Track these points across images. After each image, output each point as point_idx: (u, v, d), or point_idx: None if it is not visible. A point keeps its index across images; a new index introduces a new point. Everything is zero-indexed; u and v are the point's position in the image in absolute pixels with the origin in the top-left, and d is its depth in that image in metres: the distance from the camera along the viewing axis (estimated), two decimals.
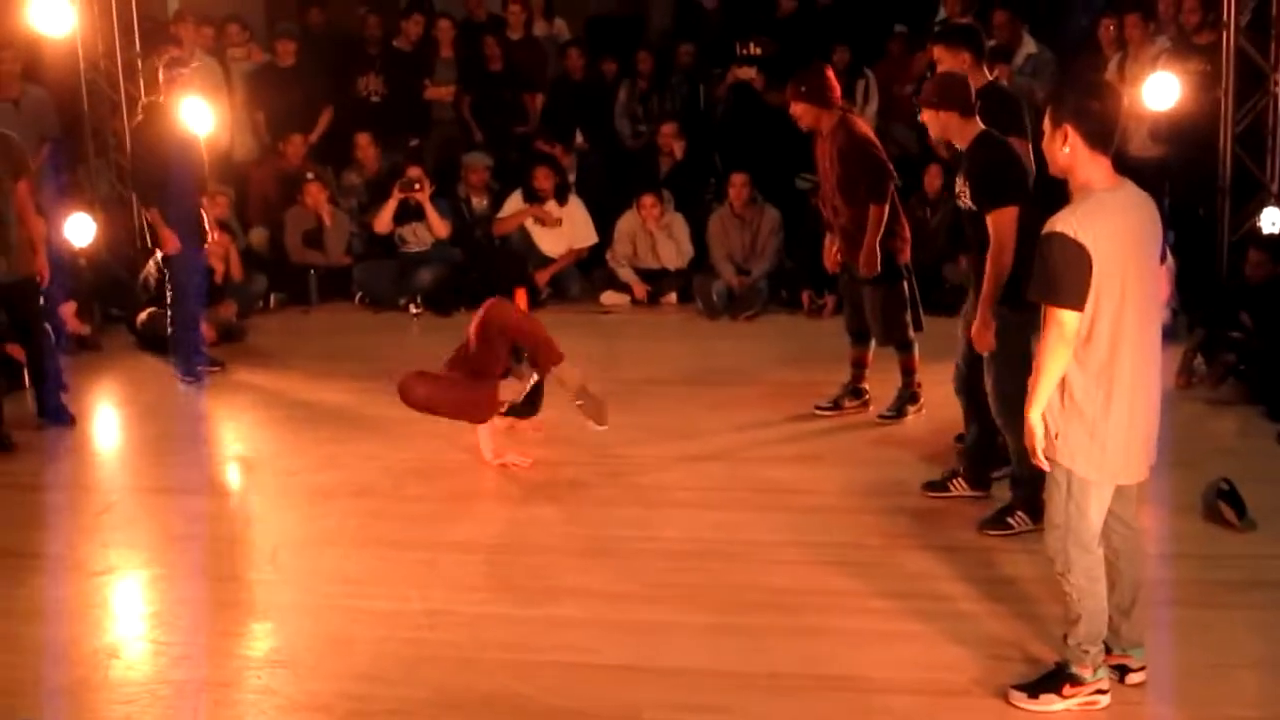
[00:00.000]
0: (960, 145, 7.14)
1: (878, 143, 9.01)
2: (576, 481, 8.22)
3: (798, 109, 8.91)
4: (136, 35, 13.20)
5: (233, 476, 8.95)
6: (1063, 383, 5.20)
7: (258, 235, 13.61)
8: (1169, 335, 10.29)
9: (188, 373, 10.57)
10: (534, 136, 14.13)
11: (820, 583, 6.66)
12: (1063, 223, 5.06)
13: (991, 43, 12.63)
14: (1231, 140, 11.47)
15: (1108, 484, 5.34)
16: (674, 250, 12.99)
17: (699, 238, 12.98)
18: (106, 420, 9.96)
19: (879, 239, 8.70)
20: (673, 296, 12.95)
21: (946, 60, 7.93)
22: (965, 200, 7.02)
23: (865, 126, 9.07)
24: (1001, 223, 6.77)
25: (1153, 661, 5.63)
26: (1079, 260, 5.01)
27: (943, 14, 13.81)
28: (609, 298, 13.06)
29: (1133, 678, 5.63)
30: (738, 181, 12.63)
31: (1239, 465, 7.74)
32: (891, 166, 8.89)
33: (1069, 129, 5.18)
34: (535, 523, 7.68)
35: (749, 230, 12.68)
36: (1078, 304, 5.06)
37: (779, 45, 13.87)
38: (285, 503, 8.21)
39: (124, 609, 6.86)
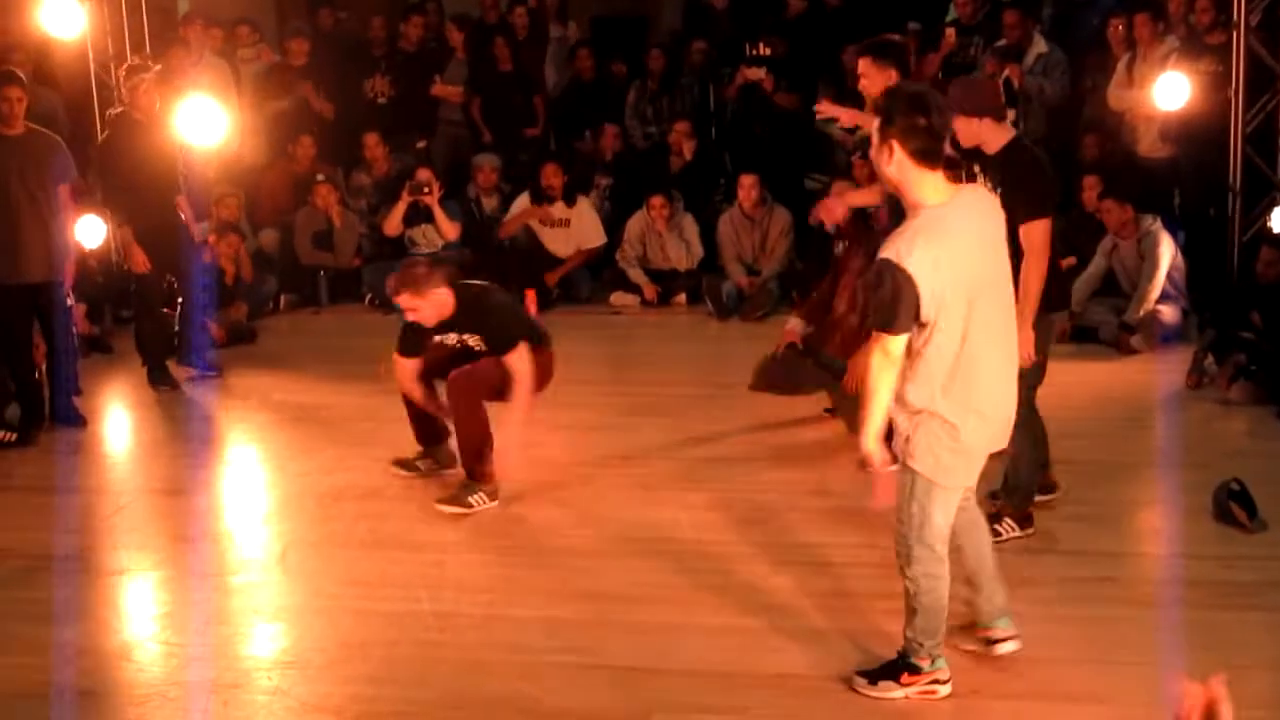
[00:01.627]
0: (990, 152, 6.90)
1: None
2: (585, 482, 8.22)
3: (866, 70, 8.41)
4: (147, 38, 13.21)
5: (243, 478, 8.96)
6: (909, 390, 5.25)
7: (268, 236, 13.63)
8: (1179, 335, 10.40)
9: (155, 380, 10.61)
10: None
11: (830, 584, 6.66)
12: (892, 249, 5.04)
13: (1002, 42, 12.66)
14: (1242, 140, 11.44)
15: (956, 490, 5.41)
16: (684, 251, 12.99)
17: (709, 238, 12.98)
18: (117, 422, 9.98)
19: None
20: (682, 297, 12.95)
21: (873, 74, 7.91)
22: None
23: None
24: (1034, 234, 6.61)
25: (1164, 662, 5.62)
26: (907, 288, 5.00)
27: (953, 14, 13.81)
28: (619, 298, 13.06)
29: (1001, 647, 5.79)
30: (747, 182, 12.63)
31: (1250, 466, 7.73)
32: None
33: (894, 144, 5.10)
34: (544, 524, 7.68)
35: (759, 231, 12.68)
36: (904, 329, 5.11)
37: (789, 45, 13.86)
38: (295, 504, 8.22)
39: (135, 610, 6.87)
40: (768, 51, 13.79)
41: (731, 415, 9.41)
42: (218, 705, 5.77)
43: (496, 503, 7.82)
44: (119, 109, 10.54)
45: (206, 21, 14.04)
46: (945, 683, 5.57)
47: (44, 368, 9.69)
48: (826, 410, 9.22)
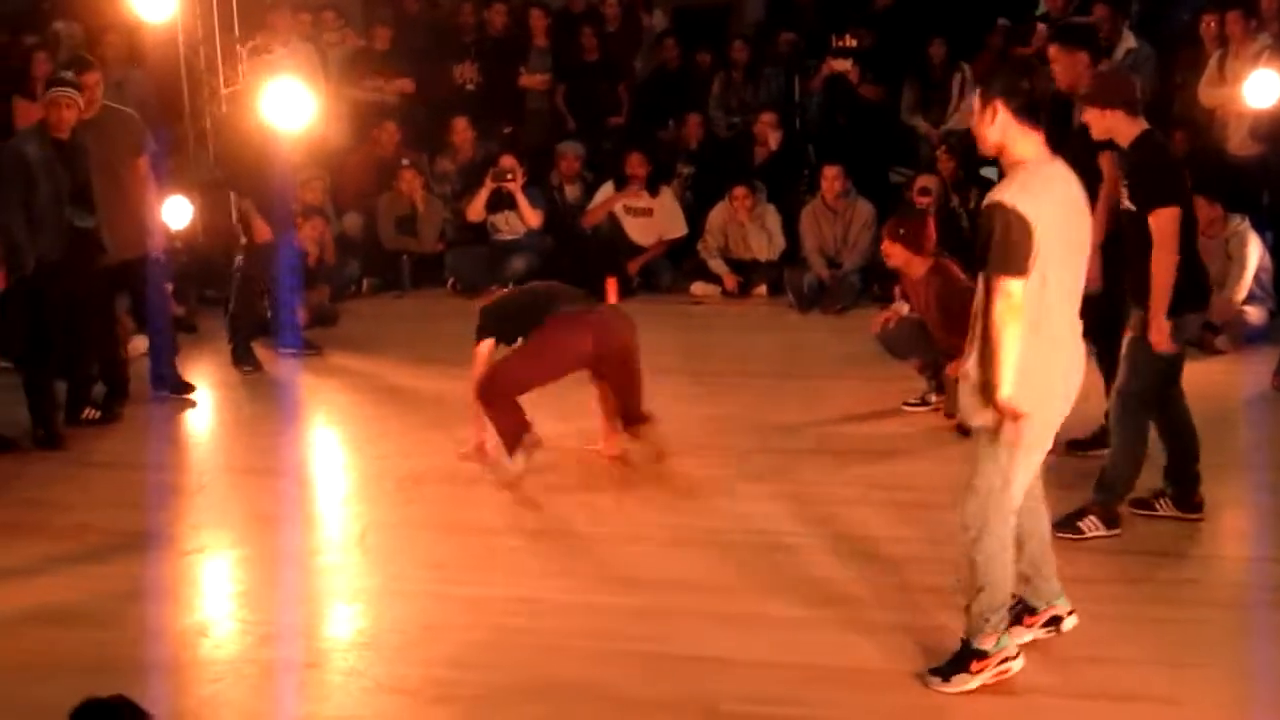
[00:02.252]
0: (1123, 144, 6.90)
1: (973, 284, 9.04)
2: (664, 472, 8.21)
3: (891, 249, 9.18)
4: (236, 22, 13.33)
5: (323, 459, 9.04)
6: (992, 350, 5.25)
7: (351, 221, 13.70)
8: (1265, 336, 10.27)
9: (239, 359, 10.74)
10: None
11: (905, 579, 6.63)
12: (1003, 193, 5.21)
13: None
14: None
15: (1036, 451, 5.46)
16: (765, 242, 12.94)
17: (791, 229, 12.94)
18: (200, 401, 10.06)
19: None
20: (763, 288, 12.90)
21: (1062, 60, 7.82)
22: (1125, 201, 6.86)
23: (958, 270, 9.04)
24: (1162, 223, 6.59)
25: (1238, 667, 5.56)
26: (1021, 230, 5.12)
27: (1043, 8, 13.69)
28: (699, 288, 13.04)
29: (1066, 624, 5.85)
30: (830, 174, 12.57)
31: None
32: None
33: (998, 104, 5.31)
34: (622, 512, 7.68)
35: (841, 223, 12.62)
36: (1022, 272, 5.17)
37: (875, 37, 13.79)
38: (375, 486, 8.28)
39: (213, 588, 6.95)
40: (854, 43, 13.74)
41: (809, 408, 9.39)
42: (294, 684, 5.83)
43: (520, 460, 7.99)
44: (239, 87, 10.70)
45: (294, 6, 14.13)
46: (1016, 658, 5.57)
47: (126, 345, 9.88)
48: (906, 404, 9.19)
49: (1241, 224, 10.53)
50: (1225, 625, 6.11)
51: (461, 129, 13.94)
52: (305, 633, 6.30)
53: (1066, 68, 7.81)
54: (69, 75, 9.06)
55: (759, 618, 6.29)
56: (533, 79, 14.35)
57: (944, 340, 8.90)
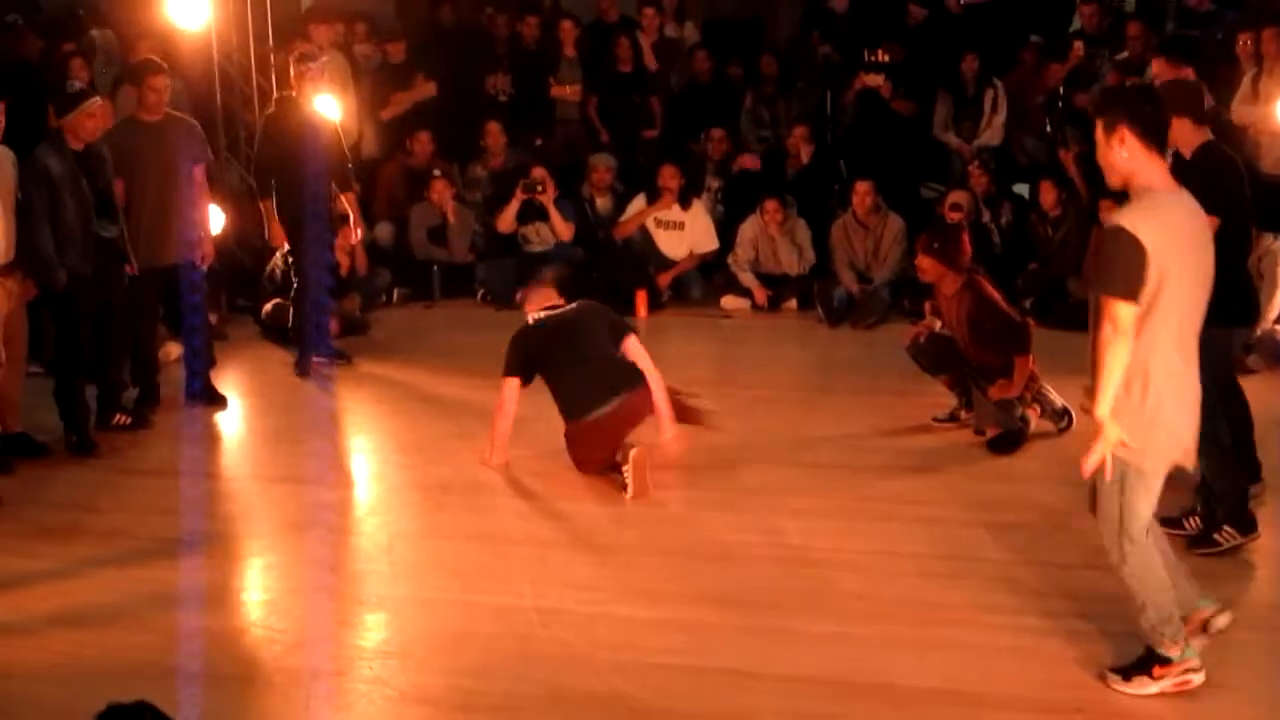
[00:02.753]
0: (1186, 154, 6.87)
1: (1005, 301, 9.13)
2: (693, 485, 8.21)
3: (924, 263, 9.13)
4: (270, 30, 13.38)
5: (351, 468, 9.05)
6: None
7: (382, 230, 13.73)
8: None
9: (301, 367, 10.76)
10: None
11: (935, 595, 6.61)
12: (1124, 218, 5.18)
13: (1124, 55, 12.51)
14: None
15: (1158, 473, 5.42)
16: (796, 256, 12.94)
17: (821, 244, 12.93)
18: (230, 409, 10.08)
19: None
20: (793, 302, 12.90)
21: (1168, 74, 7.77)
22: None
23: (991, 288, 9.03)
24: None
25: (1269, 689, 5.53)
26: (1136, 255, 5.10)
27: (1078, 24, 13.68)
28: (729, 302, 13.03)
29: (1218, 621, 5.78)
30: (861, 189, 12.56)
31: None
32: (1024, 318, 9.11)
33: (1124, 131, 5.26)
34: (649, 524, 7.67)
35: (872, 238, 12.60)
36: (1133, 296, 5.15)
37: (907, 52, 13.79)
38: (403, 495, 8.29)
39: (242, 595, 6.95)
40: (886, 58, 13.74)
41: (839, 422, 9.37)
42: (319, 692, 5.83)
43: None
44: (286, 92, 10.76)
45: (328, 16, 14.17)
46: (1198, 670, 5.55)
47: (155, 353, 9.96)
48: (935, 419, 9.17)
49: (1275, 243, 10.47)
50: (1260, 648, 6.08)
51: (495, 133, 13.96)
52: (330, 641, 6.30)
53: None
54: (85, 87, 9.13)
55: (786, 631, 6.27)
56: (562, 90, 14.37)
57: (976, 357, 8.89)
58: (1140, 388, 5.26)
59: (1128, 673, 5.60)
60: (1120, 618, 5.92)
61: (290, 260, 10.82)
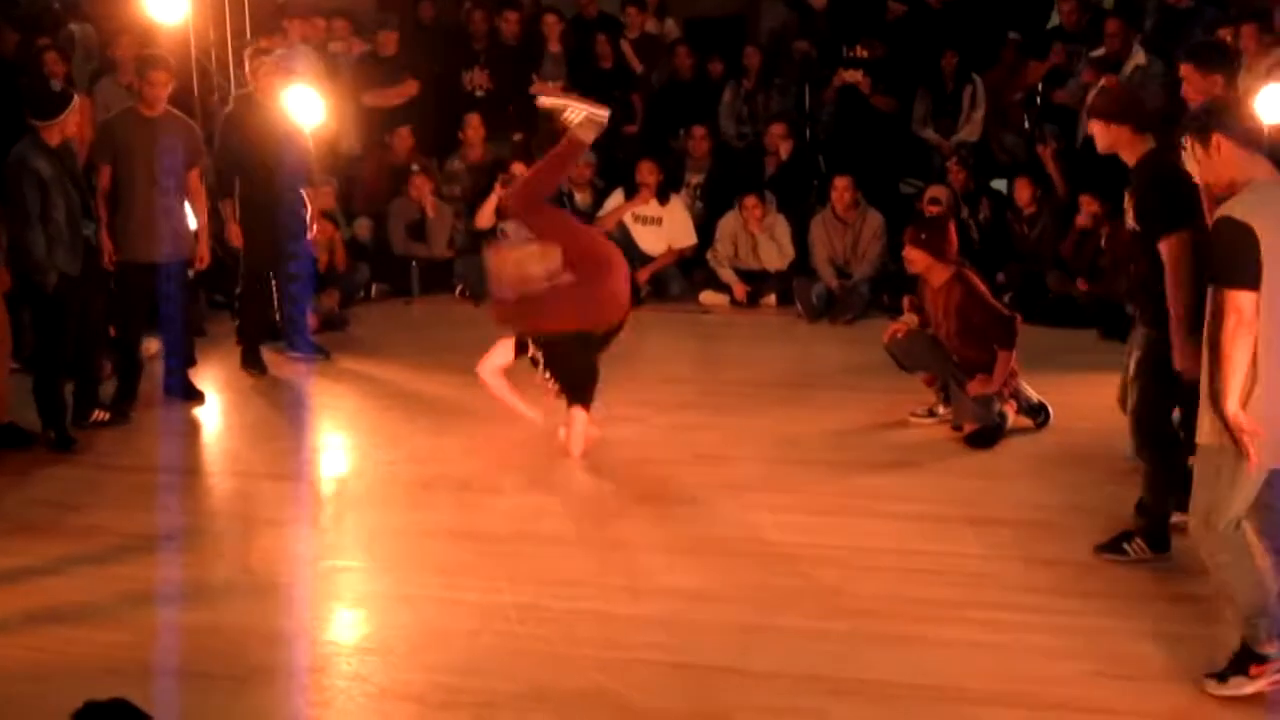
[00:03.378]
0: (1129, 162, 6.77)
1: (991, 295, 9.15)
2: (672, 481, 8.21)
3: (913, 254, 9.10)
4: (248, 25, 13.33)
5: (331, 464, 9.02)
6: (1222, 365, 5.19)
7: (362, 225, 13.71)
8: None
9: (247, 364, 10.77)
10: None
11: (916, 591, 6.61)
12: (1234, 208, 5.17)
13: (1100, 52, 12.53)
14: None
15: (1263, 469, 5.33)
16: (775, 251, 12.94)
17: (801, 240, 12.93)
18: (208, 404, 10.05)
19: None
20: (772, 298, 12.90)
21: (1195, 80, 7.72)
22: (1130, 220, 6.78)
23: (979, 281, 9.06)
24: (1172, 249, 6.38)
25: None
26: (1248, 242, 5.09)
27: (1056, 21, 13.70)
28: (709, 298, 13.04)
29: None
30: (841, 185, 12.57)
31: None
32: (1012, 312, 9.07)
33: (1219, 138, 5.32)
34: (630, 521, 7.67)
35: (851, 234, 12.62)
36: (1252, 283, 5.12)
37: (887, 48, 13.80)
38: (382, 492, 8.27)
39: (221, 592, 6.92)
40: (865, 54, 13.75)
41: (816, 418, 9.37)
42: (299, 688, 5.82)
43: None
44: (244, 90, 10.73)
45: (307, 12, 14.14)
46: None
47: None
48: (913, 415, 9.18)
49: None
50: None
51: (474, 125, 13.95)
52: (311, 637, 6.29)
53: (1200, 89, 7.70)
54: (65, 86, 9.10)
55: (767, 628, 6.27)
56: (545, 86, 14.33)
57: (959, 351, 8.90)
58: (1249, 381, 5.20)
59: (1224, 674, 5.50)
60: (1104, 612, 5.94)
61: (245, 260, 10.79)
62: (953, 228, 9.25)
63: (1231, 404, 5.18)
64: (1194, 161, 5.60)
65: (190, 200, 9.78)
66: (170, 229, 9.57)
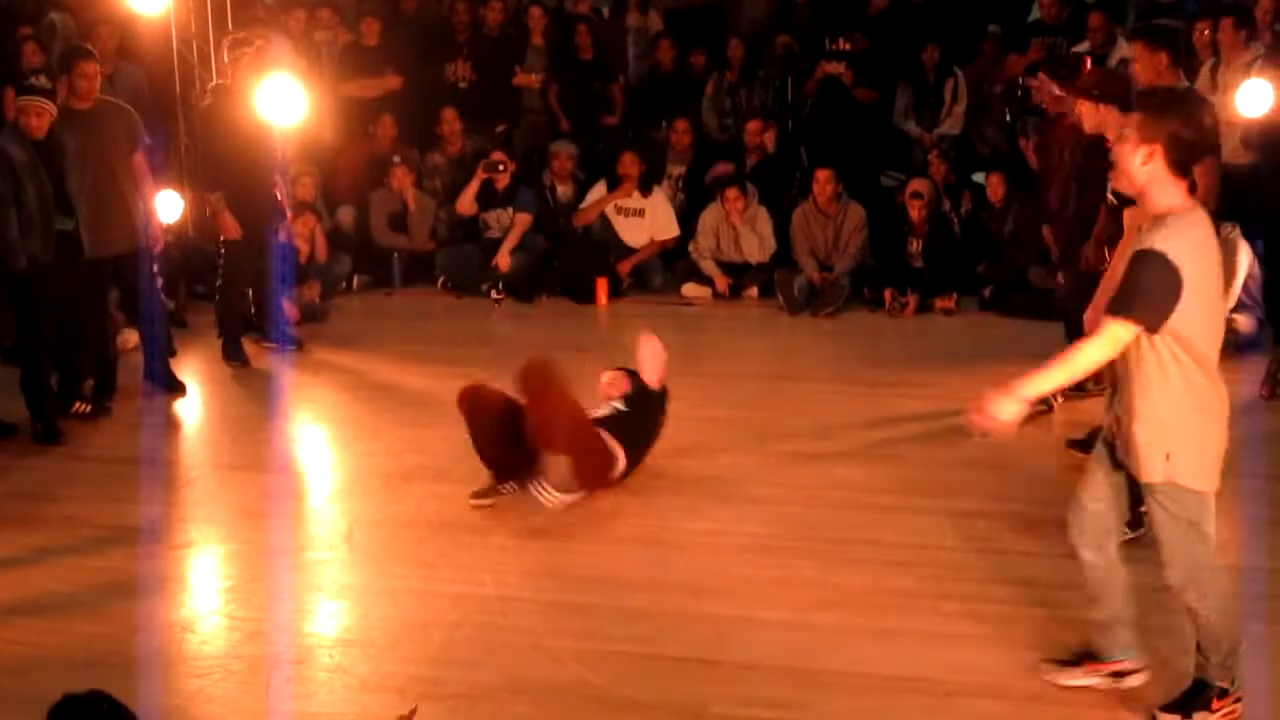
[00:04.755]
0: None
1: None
2: (653, 474, 8.20)
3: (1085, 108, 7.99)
4: (229, 16, 13.30)
5: (311, 456, 9.03)
6: (1171, 401, 5.05)
7: (344, 215, 13.67)
8: (1256, 345, 10.27)
9: (228, 355, 10.75)
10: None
11: (894, 583, 6.63)
12: (1155, 241, 4.90)
13: (1084, 45, 12.54)
14: None
15: (1213, 492, 5.24)
16: (757, 244, 12.94)
17: (783, 232, 12.94)
18: (189, 396, 10.04)
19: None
20: (754, 291, 12.89)
21: (1144, 59, 7.74)
22: (1112, 196, 6.82)
23: None
24: None
25: (1245, 679, 5.55)
26: (1169, 277, 4.86)
27: (1036, 14, 13.73)
28: (690, 290, 13.03)
29: (1131, 680, 5.60)
30: (822, 177, 12.58)
31: None
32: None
33: (1158, 150, 4.95)
34: (611, 514, 7.68)
35: (833, 226, 12.62)
36: (1154, 324, 4.92)
37: (869, 41, 13.81)
38: (363, 484, 8.27)
39: (200, 583, 6.94)
40: (848, 47, 13.76)
41: (798, 410, 9.39)
42: (279, 680, 5.82)
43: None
44: (220, 81, 10.70)
45: (289, 3, 14.10)
46: (1240, 699, 5.40)
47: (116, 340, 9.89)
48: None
49: (1232, 232, 10.52)
50: (1257, 639, 6.10)
51: (450, 120, 13.92)
52: (291, 629, 6.29)
53: (1148, 67, 7.75)
54: (41, 81, 9.00)
55: (751, 620, 6.29)
56: (528, 78, 14.34)
57: (1068, 198, 8.49)
58: (1194, 407, 5.11)
59: (1186, 709, 5.37)
60: (1081, 605, 5.95)
61: (222, 251, 10.76)
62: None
63: (1033, 391, 5.13)
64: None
65: (139, 184, 9.67)
66: (124, 219, 9.48)
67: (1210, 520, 5.22)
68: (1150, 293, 4.90)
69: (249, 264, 10.71)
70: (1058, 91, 8.75)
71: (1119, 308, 4.96)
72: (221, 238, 10.63)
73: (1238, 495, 7.53)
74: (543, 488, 7.52)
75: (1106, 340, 5.00)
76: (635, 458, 8.05)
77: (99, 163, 9.27)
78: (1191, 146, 4.98)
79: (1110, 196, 6.79)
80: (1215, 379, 5.14)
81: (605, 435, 7.88)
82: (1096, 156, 7.95)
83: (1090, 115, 6.88)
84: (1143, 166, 4.99)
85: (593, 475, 7.75)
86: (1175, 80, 7.80)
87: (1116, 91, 6.86)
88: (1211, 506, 5.22)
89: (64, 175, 8.88)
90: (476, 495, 7.74)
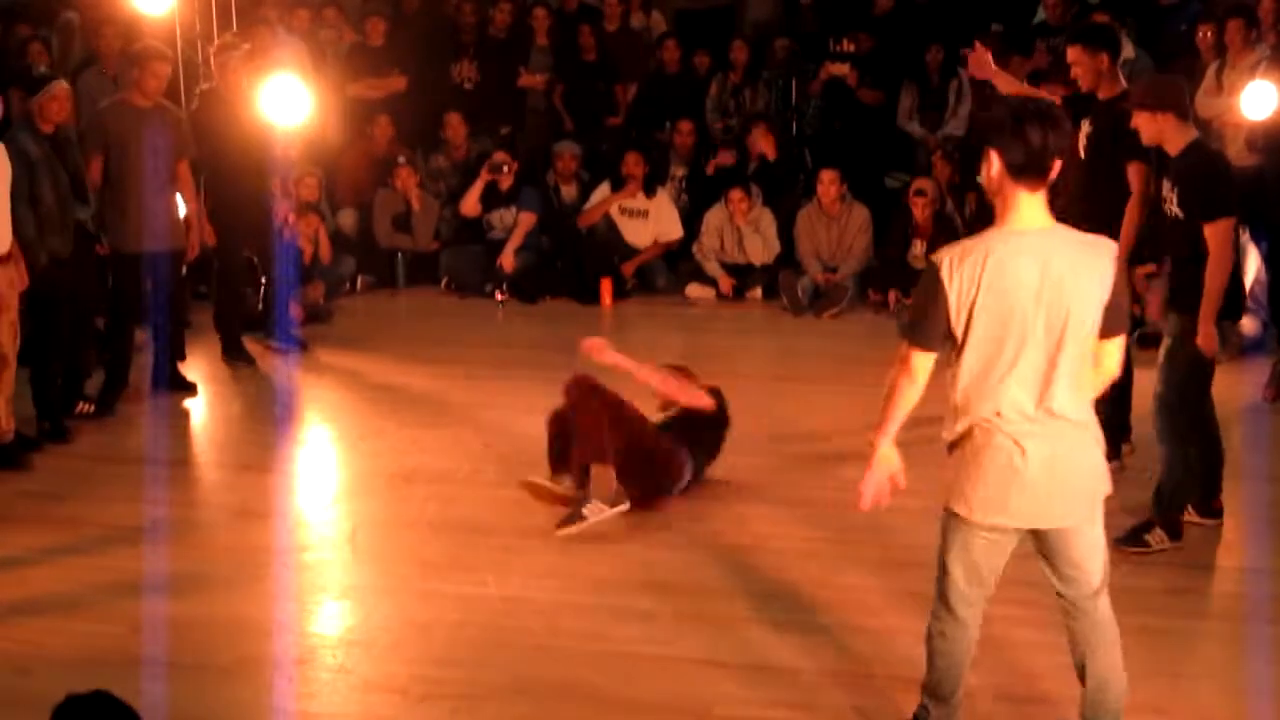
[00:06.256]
0: (1171, 151, 6.81)
1: None
2: None
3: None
4: (234, 16, 13.30)
5: (315, 456, 9.02)
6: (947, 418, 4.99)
7: (347, 217, 13.67)
8: (1259, 347, 10.27)
9: (229, 356, 10.74)
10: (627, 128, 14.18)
11: (900, 583, 6.61)
12: (945, 253, 4.63)
13: None
14: None
15: (983, 527, 5.04)
16: (761, 245, 12.95)
17: (787, 233, 12.94)
18: (194, 397, 10.05)
19: None
20: (758, 292, 12.90)
21: (1084, 62, 7.76)
22: (1172, 207, 6.79)
23: None
24: (1218, 234, 6.55)
25: (1233, 677, 5.55)
26: (938, 301, 4.63)
27: (1041, 16, 13.72)
28: (694, 291, 13.04)
29: None
30: (827, 178, 12.58)
31: None
32: None
33: (993, 155, 4.56)
34: (611, 515, 7.66)
35: (837, 227, 12.63)
36: (927, 346, 4.79)
37: (874, 42, 13.82)
38: (366, 484, 8.27)
39: (203, 583, 6.91)
40: (852, 48, 13.78)
41: (801, 412, 9.40)
42: (282, 680, 5.82)
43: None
44: (209, 85, 10.71)
45: (293, 3, 14.10)
46: None
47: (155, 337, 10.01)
48: None
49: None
50: (1218, 636, 6.12)
51: (455, 124, 13.92)
52: (295, 629, 6.29)
53: (1089, 69, 7.77)
54: (47, 70, 9.07)
55: (755, 621, 6.30)
56: (532, 78, 14.34)
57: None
58: (963, 430, 5.13)
59: None
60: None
61: (217, 255, 10.75)
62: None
63: (886, 443, 5.31)
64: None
65: (181, 190, 9.80)
66: (161, 219, 9.58)
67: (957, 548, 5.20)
68: (921, 311, 4.82)
69: (241, 268, 10.74)
70: (992, 66, 8.74)
71: (904, 330, 4.95)
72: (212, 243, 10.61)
73: (1241, 497, 7.56)
74: (594, 505, 7.36)
75: (898, 365, 5.07)
76: (701, 465, 7.95)
77: (144, 161, 9.38)
78: (1036, 149, 4.48)
79: (1174, 209, 6.74)
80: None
81: (669, 441, 7.76)
82: (1105, 153, 7.97)
83: (1148, 125, 6.81)
84: (988, 177, 4.65)
85: (658, 481, 7.65)
86: (1116, 82, 7.79)
87: (1171, 98, 6.82)
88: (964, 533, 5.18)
89: (78, 168, 8.93)
90: (562, 524, 7.29)
